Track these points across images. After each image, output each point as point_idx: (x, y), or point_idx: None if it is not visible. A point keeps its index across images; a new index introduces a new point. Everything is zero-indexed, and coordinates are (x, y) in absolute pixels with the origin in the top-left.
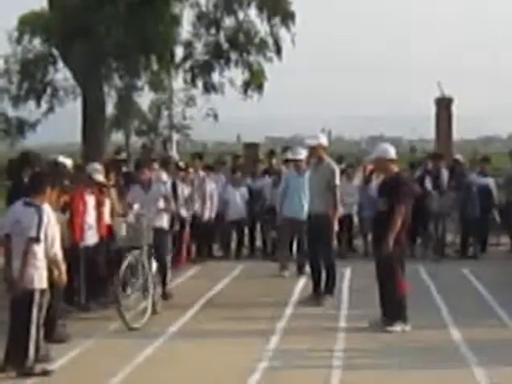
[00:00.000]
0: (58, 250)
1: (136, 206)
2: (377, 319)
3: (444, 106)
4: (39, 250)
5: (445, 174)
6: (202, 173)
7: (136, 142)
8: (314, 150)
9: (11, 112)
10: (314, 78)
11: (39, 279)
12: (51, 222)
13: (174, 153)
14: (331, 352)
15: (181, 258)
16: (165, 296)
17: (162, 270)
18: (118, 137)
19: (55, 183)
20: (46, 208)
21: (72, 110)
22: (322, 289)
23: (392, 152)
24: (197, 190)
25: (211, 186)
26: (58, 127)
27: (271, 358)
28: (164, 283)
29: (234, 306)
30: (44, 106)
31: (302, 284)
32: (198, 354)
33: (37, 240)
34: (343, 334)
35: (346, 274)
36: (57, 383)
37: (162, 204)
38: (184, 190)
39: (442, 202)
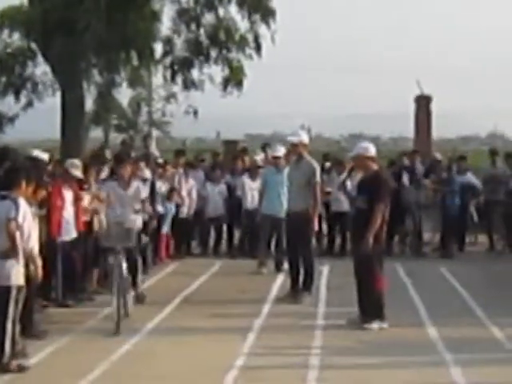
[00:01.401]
0: (34, 245)
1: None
2: (354, 317)
3: (423, 104)
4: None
5: (420, 168)
6: (181, 170)
7: (115, 138)
8: (295, 147)
9: None
10: (293, 76)
11: (16, 275)
12: (27, 217)
13: (154, 149)
14: (309, 349)
15: (159, 254)
16: (137, 298)
17: (133, 272)
18: (97, 133)
19: (31, 177)
20: (22, 202)
21: (51, 105)
22: (300, 286)
23: (372, 150)
24: (176, 187)
25: (190, 183)
26: (36, 123)
27: (248, 356)
28: (135, 285)
29: (211, 302)
30: (23, 100)
31: (280, 281)
32: (175, 350)
33: (15, 219)
34: (321, 332)
35: (323, 272)
36: (33, 379)
37: (138, 205)
38: (162, 187)
39: (418, 198)
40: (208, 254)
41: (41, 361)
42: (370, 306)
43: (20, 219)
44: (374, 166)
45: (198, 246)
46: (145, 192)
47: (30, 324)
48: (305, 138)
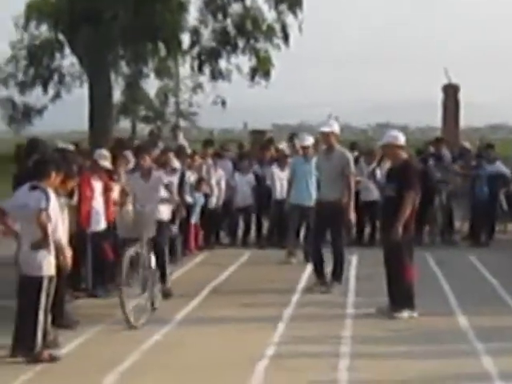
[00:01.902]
0: (61, 235)
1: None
2: (384, 306)
3: (451, 93)
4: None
5: (447, 155)
6: (209, 160)
7: (143, 129)
8: (326, 137)
9: (18, 98)
10: (319, 65)
11: (47, 266)
12: (55, 208)
13: (182, 140)
14: (339, 339)
15: (189, 245)
16: (164, 294)
17: (161, 265)
18: (124, 124)
19: (60, 168)
20: (51, 193)
21: (79, 96)
22: (329, 276)
23: (401, 138)
24: (205, 177)
25: (219, 173)
26: (64, 115)
27: (279, 345)
28: (164, 279)
29: (241, 293)
30: (51, 92)
31: (309, 271)
32: (205, 340)
33: (46, 210)
34: (350, 321)
35: (352, 262)
36: (64, 369)
37: (163, 194)
38: (190, 178)
39: (445, 176)
40: (237, 244)
41: (72, 351)
42: (400, 295)
43: (50, 210)
44: (404, 155)
45: (227, 236)
46: (169, 181)
47: (61, 314)
48: (336, 128)
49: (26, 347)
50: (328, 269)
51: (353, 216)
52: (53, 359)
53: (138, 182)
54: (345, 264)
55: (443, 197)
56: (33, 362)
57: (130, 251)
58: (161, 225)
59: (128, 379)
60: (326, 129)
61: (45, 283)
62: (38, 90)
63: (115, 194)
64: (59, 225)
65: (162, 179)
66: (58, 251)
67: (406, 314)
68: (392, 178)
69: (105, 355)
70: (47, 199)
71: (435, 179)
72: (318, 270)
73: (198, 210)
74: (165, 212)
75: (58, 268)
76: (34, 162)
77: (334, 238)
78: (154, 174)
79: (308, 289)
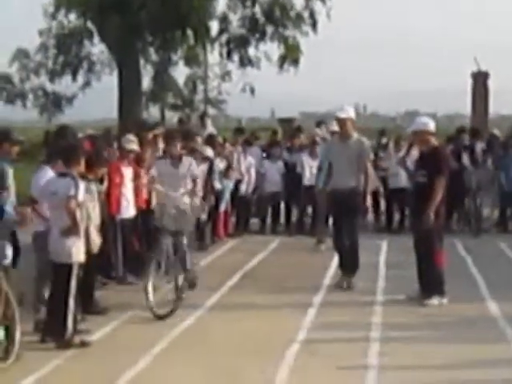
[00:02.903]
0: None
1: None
2: (414, 293)
3: (480, 80)
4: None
5: (479, 147)
6: (239, 147)
7: (172, 116)
8: (342, 123)
9: (49, 87)
10: (347, 53)
11: (77, 252)
12: (83, 195)
13: (211, 128)
14: (369, 325)
15: (218, 232)
16: (189, 284)
17: (182, 256)
18: (154, 111)
19: (91, 156)
20: (79, 180)
21: (108, 85)
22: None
23: (431, 125)
24: (235, 164)
25: (249, 161)
26: (94, 102)
27: (309, 330)
28: (186, 269)
29: (271, 279)
30: (80, 80)
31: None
32: (235, 326)
33: (75, 197)
34: (380, 308)
35: (382, 248)
36: (95, 354)
37: (189, 184)
38: (219, 165)
39: (479, 177)
40: (266, 231)
41: (103, 337)
42: (430, 282)
43: (80, 197)
44: (434, 141)
45: (257, 223)
46: (198, 170)
47: (91, 301)
48: (352, 114)
49: (56, 333)
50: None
51: (369, 203)
52: (84, 344)
53: (167, 168)
54: (359, 256)
55: (477, 197)
56: (64, 348)
57: (167, 241)
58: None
59: (160, 363)
60: (342, 114)
61: (75, 270)
62: (68, 78)
63: (144, 180)
64: (88, 211)
65: (192, 166)
66: (88, 238)
67: (435, 300)
68: (423, 165)
69: (135, 340)
70: (76, 186)
71: (470, 182)
72: (342, 260)
73: (227, 196)
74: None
75: (88, 255)
76: (63, 149)
77: (350, 230)
78: (184, 161)
79: (336, 285)
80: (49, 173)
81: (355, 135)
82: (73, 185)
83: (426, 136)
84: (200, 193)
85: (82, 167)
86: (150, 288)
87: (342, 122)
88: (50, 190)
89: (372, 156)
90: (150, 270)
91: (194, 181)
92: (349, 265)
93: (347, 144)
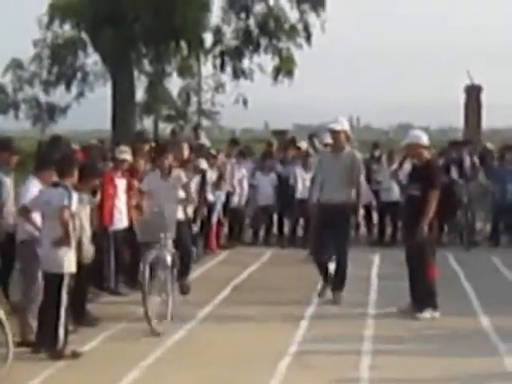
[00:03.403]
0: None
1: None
2: (406, 306)
3: (473, 94)
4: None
5: (467, 161)
6: (233, 159)
7: (165, 128)
8: (336, 135)
9: (42, 97)
10: (341, 65)
11: (68, 263)
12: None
13: (204, 139)
14: (361, 337)
15: (210, 243)
16: (182, 288)
17: (186, 263)
18: (147, 123)
19: (84, 166)
20: (73, 190)
21: (101, 96)
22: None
23: (424, 138)
24: (228, 176)
25: (242, 172)
26: (87, 113)
27: (301, 343)
28: (184, 276)
29: (263, 291)
30: (74, 91)
31: (331, 270)
32: (227, 338)
33: (69, 208)
34: (372, 320)
35: (374, 261)
36: (87, 365)
37: (180, 194)
38: (212, 177)
39: (471, 190)
40: (258, 243)
41: (94, 347)
42: (422, 295)
43: (73, 207)
44: (427, 155)
45: (250, 235)
46: (189, 180)
47: (82, 312)
48: (346, 126)
49: (48, 344)
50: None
51: (361, 218)
52: (75, 355)
53: (157, 181)
54: (347, 272)
55: (467, 209)
56: (55, 358)
57: (152, 254)
58: (180, 224)
59: (151, 375)
60: (336, 127)
61: (66, 280)
62: (62, 89)
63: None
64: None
65: (181, 178)
66: (79, 249)
67: (427, 313)
68: (415, 178)
69: (127, 351)
70: (70, 197)
71: (460, 195)
72: (324, 272)
73: (219, 207)
74: (181, 211)
75: (79, 265)
76: (57, 160)
77: (339, 244)
78: (174, 173)
79: (319, 294)
80: (34, 183)
81: (348, 148)
82: (66, 195)
83: (418, 149)
84: (194, 198)
85: (74, 178)
86: (148, 305)
87: (335, 134)
88: (43, 199)
89: (364, 169)
90: (144, 287)
91: (186, 189)
92: (336, 280)
93: (339, 156)
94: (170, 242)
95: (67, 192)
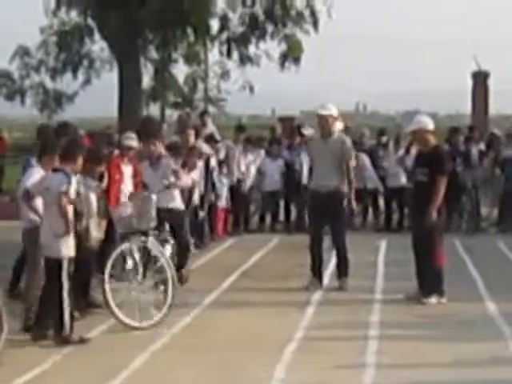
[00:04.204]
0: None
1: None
2: (413, 291)
3: (480, 80)
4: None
5: (475, 151)
6: (240, 146)
7: (171, 115)
8: (324, 120)
9: (49, 84)
10: (349, 51)
11: (67, 247)
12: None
13: (211, 126)
14: (367, 323)
15: (217, 229)
16: (180, 279)
17: (183, 253)
18: (153, 110)
19: (89, 152)
20: (73, 177)
21: (108, 82)
22: (336, 272)
23: (430, 124)
24: (236, 162)
25: (249, 158)
26: (94, 100)
27: (307, 329)
28: (182, 266)
29: (269, 277)
30: (80, 77)
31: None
32: (234, 323)
33: (66, 193)
34: (379, 306)
35: (381, 247)
36: (94, 350)
37: (171, 179)
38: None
39: (475, 176)
40: (265, 229)
41: (101, 333)
42: (429, 281)
43: (72, 193)
44: (433, 140)
45: (256, 221)
46: (197, 166)
47: (88, 297)
48: (334, 111)
49: (54, 330)
50: (327, 270)
51: (355, 204)
52: (83, 341)
53: (146, 171)
54: (348, 257)
55: (472, 194)
56: (62, 344)
57: (123, 246)
58: (177, 212)
59: (158, 360)
60: (323, 111)
61: (65, 265)
62: (69, 75)
63: None
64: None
65: (170, 166)
66: (87, 234)
67: (434, 299)
68: (423, 163)
69: (134, 337)
70: (68, 182)
71: (464, 181)
72: (316, 267)
73: (224, 194)
74: (177, 199)
75: (86, 251)
76: (63, 145)
77: (336, 231)
78: (163, 162)
79: (305, 288)
80: (38, 169)
81: (338, 133)
82: (65, 181)
83: (425, 134)
84: (181, 184)
85: (77, 165)
86: (109, 297)
87: (323, 119)
88: (44, 186)
89: (354, 154)
90: (105, 278)
91: (176, 174)
92: (340, 268)
93: (329, 142)
94: (167, 233)
95: (66, 177)
